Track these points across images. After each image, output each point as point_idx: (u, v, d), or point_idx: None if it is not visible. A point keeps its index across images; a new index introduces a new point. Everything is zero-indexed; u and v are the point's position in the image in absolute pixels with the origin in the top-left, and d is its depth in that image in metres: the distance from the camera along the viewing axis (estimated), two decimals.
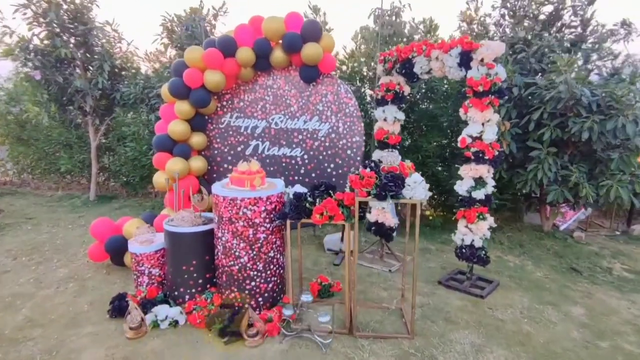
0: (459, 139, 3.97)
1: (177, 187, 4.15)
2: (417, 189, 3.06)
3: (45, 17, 6.70)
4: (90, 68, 7.29)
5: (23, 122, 8.36)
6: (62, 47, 6.78)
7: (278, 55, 4.74)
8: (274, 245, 3.42)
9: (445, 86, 6.33)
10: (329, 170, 5.06)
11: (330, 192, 3.28)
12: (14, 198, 7.97)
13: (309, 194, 3.28)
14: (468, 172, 3.97)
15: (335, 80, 4.95)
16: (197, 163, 4.98)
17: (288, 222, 3.22)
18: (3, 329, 3.36)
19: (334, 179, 5.04)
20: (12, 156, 8.79)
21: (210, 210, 4.31)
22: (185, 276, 3.56)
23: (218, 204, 3.31)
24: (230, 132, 5.20)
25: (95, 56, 7.19)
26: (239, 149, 5.22)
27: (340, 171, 5.03)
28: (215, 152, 5.27)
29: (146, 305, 3.51)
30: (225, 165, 5.27)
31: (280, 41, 4.71)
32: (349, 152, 4.99)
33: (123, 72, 7.61)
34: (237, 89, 5.13)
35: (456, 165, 4.54)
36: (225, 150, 5.24)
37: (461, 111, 3.99)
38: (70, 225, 6.23)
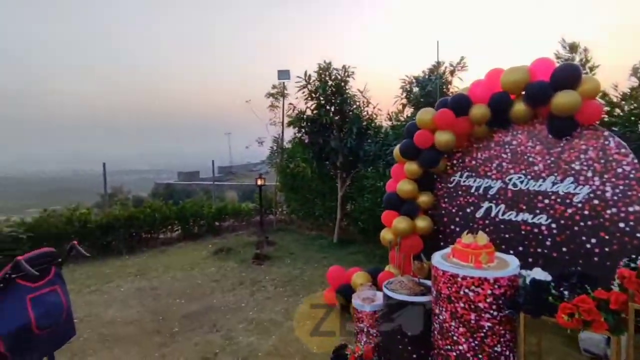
0: None
1: (399, 250, 4.16)
2: None
3: (317, 93, 8.50)
4: (343, 130, 8.64)
5: (295, 174, 10.73)
6: (325, 115, 8.36)
7: (519, 109, 4.18)
8: (501, 339, 2.85)
9: None
10: (587, 246, 3.92)
11: (587, 286, 2.48)
12: (284, 234, 10.15)
13: (553, 283, 2.59)
14: None
15: (601, 133, 3.89)
16: (423, 223, 4.90)
17: (522, 315, 2.62)
18: (258, 350, 4.16)
19: (595, 258, 3.86)
20: (286, 200, 11.38)
21: (430, 277, 4.08)
22: (400, 347, 3.43)
23: (437, 278, 3.08)
24: (460, 192, 4.89)
25: (347, 120, 8.48)
26: (468, 210, 4.82)
27: (606, 249, 3.81)
28: (442, 212, 5.05)
29: None
30: (452, 227, 4.95)
31: (523, 92, 4.16)
32: (622, 225, 3.73)
33: (368, 132, 8.62)
34: (470, 147, 4.82)
35: None
36: (453, 210, 4.95)
37: None
38: (316, 264, 7.30)
